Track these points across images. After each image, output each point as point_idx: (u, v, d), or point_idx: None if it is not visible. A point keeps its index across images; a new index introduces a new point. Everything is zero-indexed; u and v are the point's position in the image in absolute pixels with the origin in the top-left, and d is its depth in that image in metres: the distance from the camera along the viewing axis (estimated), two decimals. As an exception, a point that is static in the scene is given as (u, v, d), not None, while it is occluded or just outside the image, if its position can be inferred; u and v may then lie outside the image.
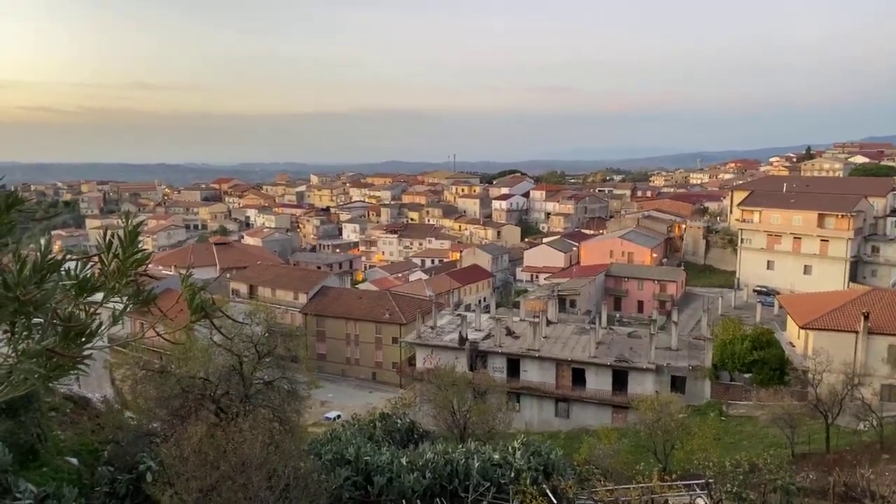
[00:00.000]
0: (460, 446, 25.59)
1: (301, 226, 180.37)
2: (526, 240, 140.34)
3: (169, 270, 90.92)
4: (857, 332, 48.79)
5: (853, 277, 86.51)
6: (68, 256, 3.37)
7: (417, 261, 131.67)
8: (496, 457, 23.40)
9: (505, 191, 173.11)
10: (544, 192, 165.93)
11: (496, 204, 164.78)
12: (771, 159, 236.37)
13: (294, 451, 18.73)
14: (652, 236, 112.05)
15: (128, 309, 3.54)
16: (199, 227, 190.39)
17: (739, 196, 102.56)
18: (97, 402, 27.84)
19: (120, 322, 3.52)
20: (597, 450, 31.53)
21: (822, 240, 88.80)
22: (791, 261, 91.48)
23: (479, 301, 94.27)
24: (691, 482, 25.61)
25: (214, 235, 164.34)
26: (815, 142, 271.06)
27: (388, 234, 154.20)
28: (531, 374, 57.05)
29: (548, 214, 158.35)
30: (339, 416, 56.93)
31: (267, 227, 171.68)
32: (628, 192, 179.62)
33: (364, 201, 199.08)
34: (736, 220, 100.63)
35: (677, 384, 52.62)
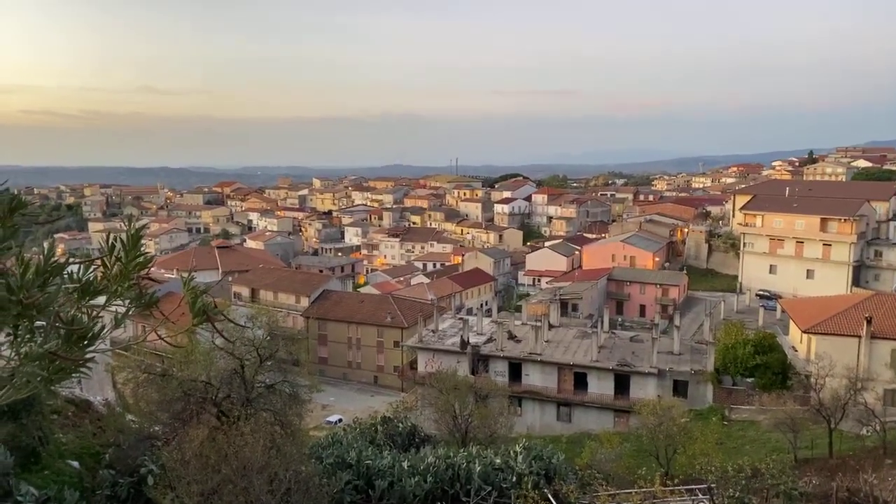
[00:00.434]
0: (462, 450, 25.55)
1: (303, 229, 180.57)
2: (528, 244, 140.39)
3: (171, 274, 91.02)
4: (859, 337, 48.68)
5: (856, 282, 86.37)
6: (71, 260, 3.38)
7: (419, 264, 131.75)
8: (498, 461, 23.35)
9: (507, 195, 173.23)
10: (546, 196, 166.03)
11: (498, 208, 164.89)
12: (773, 163, 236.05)
13: (295, 455, 18.70)
14: (654, 240, 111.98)
15: (130, 312, 3.55)
16: (202, 231, 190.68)
17: (742, 200, 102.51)
18: (99, 406, 27.86)
19: (122, 325, 3.53)
20: (599, 454, 31.45)
21: (824, 244, 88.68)
22: (793, 265, 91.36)
23: (481, 305, 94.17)
24: (693, 487, 25.55)
25: (217, 239, 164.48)
26: (818, 146, 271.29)
27: (390, 237, 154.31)
28: (533, 378, 56.98)
29: (550, 218, 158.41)
30: (340, 420, 56.90)
31: (269, 231, 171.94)
32: (630, 196, 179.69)
33: (366, 205, 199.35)
34: (738, 224, 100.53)
35: (679, 388, 52.52)
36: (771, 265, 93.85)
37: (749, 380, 53.76)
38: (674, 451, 32.73)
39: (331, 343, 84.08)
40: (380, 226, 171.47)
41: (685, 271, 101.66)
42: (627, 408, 50.01)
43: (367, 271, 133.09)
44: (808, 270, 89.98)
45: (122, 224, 3.58)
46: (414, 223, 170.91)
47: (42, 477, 17.88)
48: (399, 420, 33.02)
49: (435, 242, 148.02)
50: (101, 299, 3.41)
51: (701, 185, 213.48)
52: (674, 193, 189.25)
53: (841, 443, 40.09)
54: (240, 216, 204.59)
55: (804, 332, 52.38)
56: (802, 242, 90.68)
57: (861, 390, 40.00)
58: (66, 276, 3.24)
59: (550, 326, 63.23)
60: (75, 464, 19.72)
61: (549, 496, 21.41)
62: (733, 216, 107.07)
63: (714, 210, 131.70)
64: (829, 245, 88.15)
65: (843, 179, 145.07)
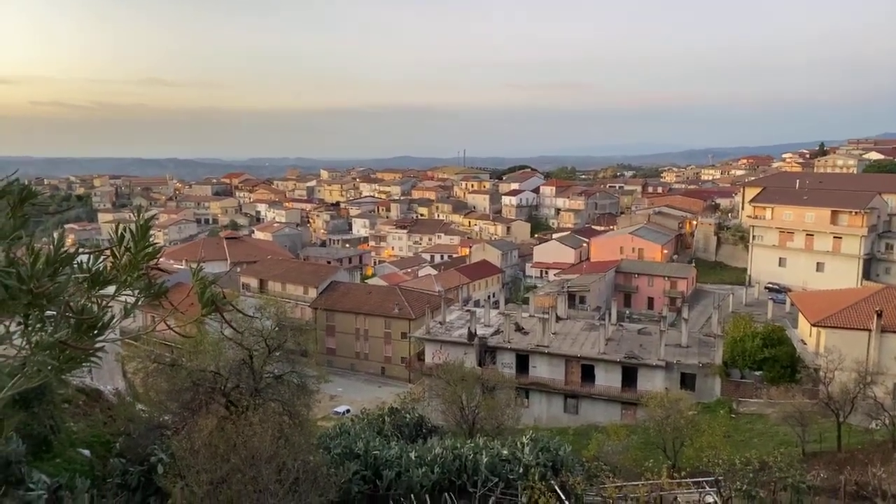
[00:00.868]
0: (469, 441, 25.64)
1: (311, 221, 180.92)
2: (536, 236, 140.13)
3: (180, 264, 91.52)
4: (869, 331, 48.37)
5: (866, 275, 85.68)
6: (81, 250, 3.40)
7: (427, 256, 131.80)
8: (505, 452, 23.41)
9: (515, 186, 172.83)
10: (554, 188, 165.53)
11: (506, 200, 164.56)
12: (784, 155, 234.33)
13: (303, 445, 18.82)
14: (663, 233, 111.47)
15: (139, 302, 3.57)
16: (210, 222, 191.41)
17: (751, 192, 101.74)
18: (109, 395, 28.10)
19: (132, 315, 3.55)
20: (606, 446, 31.50)
21: (835, 237, 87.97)
22: (803, 258, 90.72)
23: (489, 297, 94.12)
24: (701, 479, 25.53)
25: (225, 230, 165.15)
26: (829, 138, 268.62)
27: (398, 229, 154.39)
28: (540, 370, 57.00)
29: (558, 210, 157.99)
30: (348, 411, 57.21)
31: (277, 222, 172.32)
32: (639, 189, 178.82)
33: (374, 196, 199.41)
34: (748, 216, 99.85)
35: (687, 381, 52.40)
36: (780, 258, 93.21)
37: (757, 373, 53.56)
38: (681, 443, 32.70)
39: (338, 334, 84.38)
40: (387, 217, 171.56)
41: (694, 264, 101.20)
42: (635, 400, 49.96)
43: (374, 263, 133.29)
44: (818, 263, 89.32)
45: (132, 215, 3.60)
46: (422, 215, 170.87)
47: (53, 465, 18.08)
48: (406, 411, 33.16)
49: (442, 234, 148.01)
50: (111, 289, 3.43)
51: (710, 178, 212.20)
52: (683, 186, 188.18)
53: (849, 436, 39.94)
54: (248, 207, 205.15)
55: (813, 325, 52.09)
56: (812, 235, 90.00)
57: (870, 384, 39.79)
58: (75, 265, 3.26)
59: (558, 318, 63.17)
60: (86, 452, 19.92)
61: (556, 488, 21.46)
62: (742, 209, 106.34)
63: (723, 202, 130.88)
64: (840, 238, 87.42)
65: (855, 172, 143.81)
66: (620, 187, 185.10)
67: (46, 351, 3.18)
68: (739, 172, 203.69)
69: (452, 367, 39.65)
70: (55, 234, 3.30)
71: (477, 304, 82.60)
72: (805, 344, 54.91)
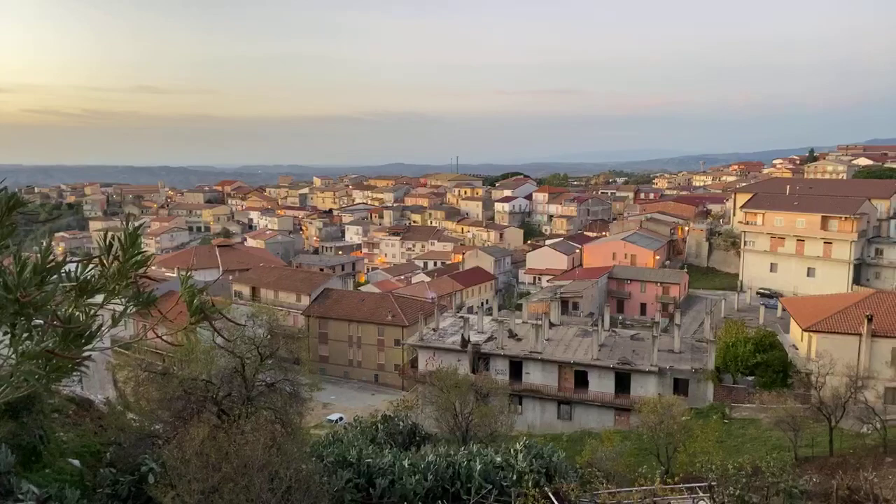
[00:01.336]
0: (462, 448, 25.57)
1: (304, 228, 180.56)
2: (528, 242, 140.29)
3: (172, 273, 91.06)
4: (860, 335, 48.66)
5: (857, 280, 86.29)
6: (69, 258, 3.39)
7: (420, 263, 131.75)
8: (498, 459, 23.36)
9: (507, 193, 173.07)
10: (547, 195, 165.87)
11: (499, 206, 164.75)
12: (774, 161, 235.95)
13: (296, 454, 18.71)
14: (655, 239, 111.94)
15: (128, 311, 3.55)
16: (202, 230, 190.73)
17: (742, 198, 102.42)
18: (99, 404, 27.88)
19: (122, 324, 3.53)
20: (599, 452, 31.46)
21: (825, 242, 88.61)
22: (794, 263, 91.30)
23: (482, 303, 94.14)
24: (694, 485, 25.55)
25: (217, 238, 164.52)
26: (819, 144, 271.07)
27: (391, 236, 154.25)
28: (533, 376, 56.98)
29: (550, 217, 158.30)
30: (341, 419, 56.93)
31: (270, 230, 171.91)
32: (631, 195, 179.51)
33: (366, 204, 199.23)
34: (739, 222, 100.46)
35: (680, 387, 52.51)
36: (772, 263, 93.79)
37: (749, 378, 53.75)
38: (674, 449, 32.75)
39: (331, 341, 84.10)
40: (380, 224, 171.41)
41: (686, 270, 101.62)
42: (628, 406, 50.02)
43: (367, 270, 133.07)
44: (808, 269, 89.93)
45: (123, 223, 3.59)
46: (414, 222, 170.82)
47: (43, 475, 17.90)
48: (400, 418, 33.05)
49: (435, 241, 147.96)
50: (100, 298, 3.42)
51: (702, 184, 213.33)
52: (674, 192, 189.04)
53: (841, 441, 40.12)
54: (240, 215, 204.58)
55: (805, 330, 52.36)
56: (803, 241, 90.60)
57: (861, 388, 40.04)
58: (63, 274, 3.25)
59: (551, 325, 63.23)
60: (76, 462, 19.74)
61: (550, 494, 21.43)
62: (734, 214, 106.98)
63: (715, 208, 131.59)
64: (830, 243, 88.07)
65: (844, 177, 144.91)
66: (612, 193, 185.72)
67: (33, 360, 3.16)
68: (730, 178, 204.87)
69: (446, 374, 39.57)
70: (42, 243, 3.29)
71: (470, 310, 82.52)
72: (797, 349, 55.16)
